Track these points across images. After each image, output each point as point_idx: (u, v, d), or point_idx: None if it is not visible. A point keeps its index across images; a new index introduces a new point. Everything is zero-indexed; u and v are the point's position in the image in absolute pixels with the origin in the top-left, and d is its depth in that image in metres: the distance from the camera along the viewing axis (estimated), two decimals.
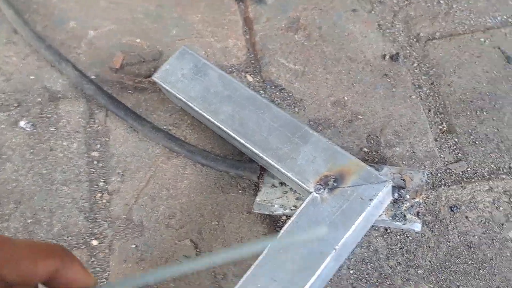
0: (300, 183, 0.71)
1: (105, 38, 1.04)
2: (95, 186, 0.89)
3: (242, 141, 0.77)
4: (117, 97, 0.96)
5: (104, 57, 1.02)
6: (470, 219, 0.76)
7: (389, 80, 0.91)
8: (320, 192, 0.69)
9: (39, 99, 0.98)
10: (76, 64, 1.00)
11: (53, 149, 0.93)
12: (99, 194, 0.89)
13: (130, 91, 0.98)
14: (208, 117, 0.81)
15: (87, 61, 1.02)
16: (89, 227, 0.86)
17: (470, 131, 0.83)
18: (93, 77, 1.00)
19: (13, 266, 0.35)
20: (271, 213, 0.79)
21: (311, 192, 0.70)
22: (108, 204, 0.88)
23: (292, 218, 0.70)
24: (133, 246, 0.83)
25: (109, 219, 0.86)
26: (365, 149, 0.85)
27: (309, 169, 0.72)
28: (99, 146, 0.93)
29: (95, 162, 0.91)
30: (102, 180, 0.90)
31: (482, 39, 0.92)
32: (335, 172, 0.71)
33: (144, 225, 0.85)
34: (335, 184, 0.70)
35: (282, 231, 0.69)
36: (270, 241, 0.63)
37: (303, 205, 0.70)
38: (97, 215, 0.87)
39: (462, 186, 0.78)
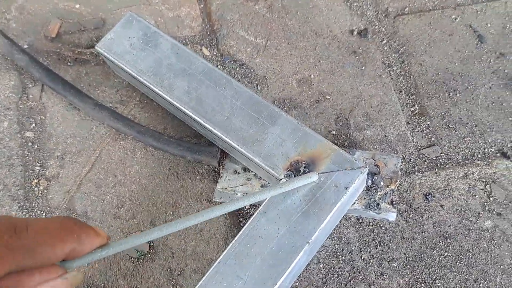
0: (268, 169, 0.64)
1: (39, 2, 0.91)
2: (30, 171, 0.78)
3: (200, 121, 0.69)
4: (53, 69, 0.84)
5: (38, 24, 0.89)
6: (445, 207, 0.71)
7: (357, 57, 0.84)
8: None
9: None
10: (6, 31, 0.87)
11: None
12: (35, 180, 0.77)
13: (69, 63, 0.86)
14: (160, 93, 0.71)
15: (18, 28, 0.89)
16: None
17: (443, 113, 0.78)
18: (25, 46, 0.87)
19: (31, 254, 0.35)
20: None
21: (281, 179, 0.63)
22: (46, 191, 0.77)
23: (259, 209, 0.62)
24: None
25: (48, 208, 0.76)
26: (334, 132, 0.78)
27: (278, 153, 0.65)
28: (33, 125, 0.81)
29: (30, 144, 0.80)
30: (39, 165, 0.78)
31: (453, 16, 0.87)
32: (306, 157, 0.64)
33: (89, 216, 0.75)
34: (306, 170, 0.63)
35: (248, 223, 0.61)
36: (266, 193, 0.56)
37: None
38: (33, 204, 0.76)
39: (436, 173, 0.74)
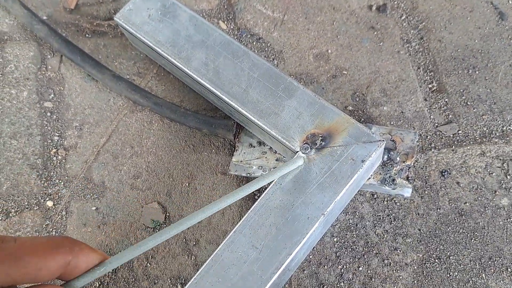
0: (284, 141, 0.64)
1: None
2: (49, 141, 0.79)
3: (217, 93, 0.69)
4: (72, 41, 0.84)
5: None
6: (461, 185, 0.71)
7: (375, 33, 0.84)
8: (307, 152, 0.62)
9: None
10: (25, 2, 0.88)
11: None
12: (54, 150, 0.79)
13: (88, 35, 0.86)
14: (178, 64, 0.72)
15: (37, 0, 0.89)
16: (42, 186, 0.76)
17: (461, 91, 0.78)
18: (44, 17, 0.88)
19: (19, 264, 0.34)
20: (248, 175, 0.71)
21: (297, 151, 0.63)
22: (64, 161, 0.78)
23: (274, 180, 0.63)
24: (94, 208, 0.74)
25: (66, 177, 0.77)
26: (350, 108, 0.78)
27: (295, 126, 0.65)
28: (52, 96, 0.82)
29: (49, 114, 0.81)
30: (57, 134, 0.80)
31: None
32: (323, 130, 0.64)
33: (106, 186, 0.76)
34: (323, 143, 0.63)
35: (264, 194, 0.62)
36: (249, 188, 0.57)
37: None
38: (51, 173, 0.77)
39: (453, 150, 0.73)
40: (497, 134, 0.74)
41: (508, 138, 0.74)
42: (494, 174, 0.71)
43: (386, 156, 0.68)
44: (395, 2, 0.86)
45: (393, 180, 0.68)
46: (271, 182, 0.61)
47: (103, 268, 0.41)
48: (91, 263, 0.40)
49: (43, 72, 0.84)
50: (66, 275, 0.38)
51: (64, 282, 0.40)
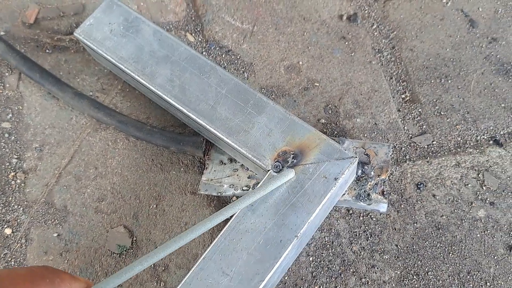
0: (255, 160, 0.61)
1: None
2: (7, 164, 0.75)
3: (184, 110, 0.66)
4: (31, 57, 0.80)
5: (16, 10, 0.85)
6: (437, 197, 0.69)
7: (347, 43, 0.82)
8: (278, 170, 0.60)
9: None
10: None
11: None
12: (12, 173, 0.74)
13: (48, 51, 0.82)
14: (142, 81, 0.68)
15: None
16: (0, 212, 0.72)
17: (434, 100, 0.76)
18: (2, 33, 0.83)
19: None
20: (219, 194, 0.68)
21: (268, 170, 0.60)
22: (23, 185, 0.74)
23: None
24: (55, 234, 0.70)
25: (25, 203, 0.72)
26: (323, 120, 0.76)
27: (265, 143, 0.62)
28: (10, 115, 0.78)
29: (6, 135, 0.76)
30: (16, 157, 0.75)
31: (444, 1, 0.84)
32: (294, 147, 0.61)
33: (68, 210, 0.72)
34: (294, 161, 0.60)
35: (234, 217, 0.59)
36: (240, 204, 0.55)
37: (259, 186, 0.60)
38: (10, 198, 0.73)
39: (428, 161, 0.72)
40: (471, 144, 0.73)
41: (482, 148, 0.72)
42: (469, 185, 0.70)
43: (360, 171, 0.66)
44: (366, 11, 0.85)
45: (368, 195, 0.65)
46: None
47: None
48: None
49: (0, 91, 0.79)
50: None
51: None
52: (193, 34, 0.84)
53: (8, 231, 0.71)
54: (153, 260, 0.47)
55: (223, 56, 0.81)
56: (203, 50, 0.82)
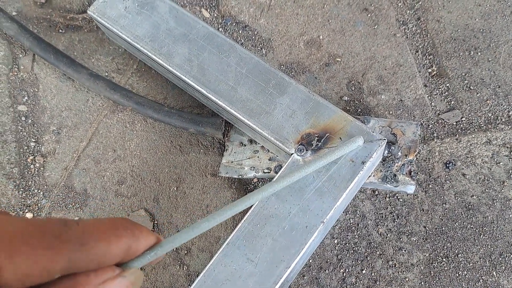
0: (277, 143, 0.59)
1: None
2: (25, 148, 0.74)
3: (203, 91, 0.64)
4: (44, 37, 0.78)
5: None
6: (467, 176, 0.67)
7: (369, 15, 0.78)
8: (302, 154, 0.58)
9: None
10: None
11: None
12: (31, 157, 0.73)
13: (61, 30, 0.80)
14: (159, 61, 0.66)
15: None
16: (20, 197, 0.71)
17: (463, 74, 0.73)
18: (14, 13, 0.81)
19: (84, 251, 0.30)
20: (240, 176, 0.67)
21: (292, 154, 0.58)
22: (42, 169, 0.73)
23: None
24: (76, 218, 0.70)
25: (45, 187, 0.72)
26: (346, 98, 0.73)
27: (288, 126, 0.60)
28: (26, 98, 0.76)
29: (23, 118, 0.75)
30: (33, 140, 0.74)
31: None
32: (319, 129, 0.59)
33: (89, 194, 0.71)
34: (319, 144, 0.58)
35: (257, 202, 0.57)
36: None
37: (281, 170, 0.58)
38: (29, 183, 0.72)
39: (457, 139, 0.69)
40: (503, 120, 0.70)
41: None
42: (501, 163, 0.67)
43: (386, 151, 0.64)
44: None
45: (395, 176, 0.63)
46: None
47: (158, 250, 0.38)
48: (149, 246, 0.37)
49: (15, 73, 0.78)
50: (124, 259, 0.35)
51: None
52: (208, 10, 0.81)
53: (29, 215, 0.70)
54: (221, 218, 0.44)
55: (240, 32, 0.79)
56: (219, 26, 0.79)
